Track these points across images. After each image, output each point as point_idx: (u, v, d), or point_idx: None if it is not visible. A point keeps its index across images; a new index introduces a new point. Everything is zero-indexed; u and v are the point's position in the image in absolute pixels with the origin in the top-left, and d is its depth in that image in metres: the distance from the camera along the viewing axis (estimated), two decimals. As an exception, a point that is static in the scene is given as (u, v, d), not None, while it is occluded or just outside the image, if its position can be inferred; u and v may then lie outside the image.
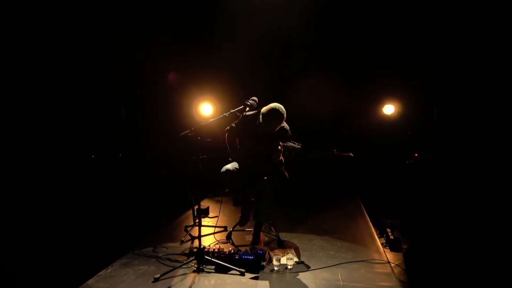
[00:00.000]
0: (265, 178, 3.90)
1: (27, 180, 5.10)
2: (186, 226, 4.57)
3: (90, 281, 3.27)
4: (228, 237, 4.28)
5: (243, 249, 3.93)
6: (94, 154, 5.33)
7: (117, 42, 5.88)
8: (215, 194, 5.84)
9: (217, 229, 4.58)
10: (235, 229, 4.35)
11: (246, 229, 4.36)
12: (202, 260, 3.50)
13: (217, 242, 4.23)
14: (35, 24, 5.10)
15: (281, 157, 3.98)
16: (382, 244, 4.61)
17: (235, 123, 4.05)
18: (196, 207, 3.86)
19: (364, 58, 6.69)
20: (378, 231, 4.97)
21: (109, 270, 3.48)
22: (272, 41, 6.72)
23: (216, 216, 4.56)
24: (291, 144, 3.79)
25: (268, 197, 3.99)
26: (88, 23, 5.59)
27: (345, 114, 6.90)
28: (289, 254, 3.69)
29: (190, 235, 4.38)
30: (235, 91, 6.63)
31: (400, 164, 5.17)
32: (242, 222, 4.19)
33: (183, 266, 3.53)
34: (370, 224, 4.88)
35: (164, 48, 6.37)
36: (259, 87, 6.82)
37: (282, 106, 3.92)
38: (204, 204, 5.52)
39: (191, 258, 3.59)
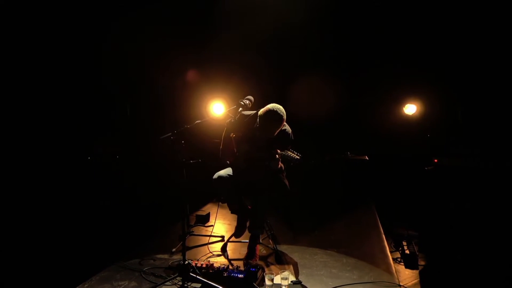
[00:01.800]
0: (262, 187, 3.54)
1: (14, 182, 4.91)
2: (181, 235, 4.25)
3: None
4: (223, 249, 3.93)
5: (236, 264, 3.60)
6: (89, 156, 5.11)
7: (118, 39, 5.62)
8: (219, 198, 5.52)
9: (214, 239, 4.23)
10: (231, 240, 3.99)
11: (243, 241, 3.99)
12: (187, 277, 3.17)
13: (211, 254, 3.89)
14: (27, 21, 4.90)
15: (280, 164, 3.58)
16: (396, 259, 4.17)
17: (235, 119, 3.71)
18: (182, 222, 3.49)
19: (382, 52, 6.19)
20: (393, 244, 4.52)
21: (85, 286, 3.20)
22: (282, 39, 6.30)
23: (211, 225, 4.23)
24: (290, 153, 3.34)
25: (265, 208, 3.62)
26: (85, 20, 5.35)
27: (361, 114, 6.40)
28: (285, 272, 3.30)
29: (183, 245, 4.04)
30: (251, 88, 6.24)
31: (419, 170, 4.67)
32: (237, 234, 3.83)
33: (167, 283, 3.21)
34: (383, 236, 4.40)
35: (169, 44, 6.08)
36: (271, 86, 6.48)
37: (281, 107, 3.53)
38: (207, 209, 5.24)
39: (175, 275, 3.26)
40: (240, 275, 3.19)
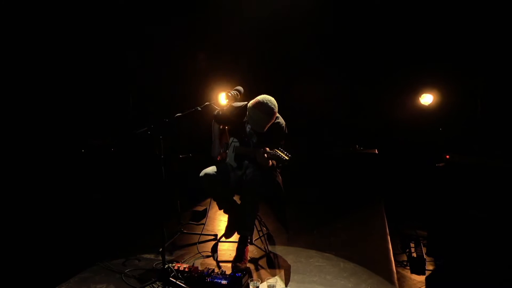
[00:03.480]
0: (252, 186, 3.28)
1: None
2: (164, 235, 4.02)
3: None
4: (213, 249, 3.70)
5: (225, 266, 3.37)
6: (84, 148, 4.96)
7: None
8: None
9: (206, 238, 4.00)
10: (223, 240, 3.76)
11: (236, 241, 3.74)
12: (167, 282, 2.97)
13: (199, 255, 3.66)
14: (29, 17, 4.75)
15: (272, 162, 3.31)
16: (402, 262, 3.86)
17: (223, 110, 3.47)
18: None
19: (400, 38, 5.77)
20: (400, 245, 4.20)
21: (62, 287, 3.04)
22: (289, 27, 5.96)
23: (202, 224, 4.00)
24: (279, 153, 3.03)
25: (255, 209, 3.36)
26: (81, 12, 5.16)
27: (372, 104, 6.02)
28: (272, 279, 3.05)
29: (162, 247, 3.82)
30: (258, 79, 5.97)
31: (431, 165, 4.30)
32: (227, 234, 3.60)
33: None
34: (388, 238, 4.06)
35: (171, 32, 5.86)
36: (277, 77, 6.21)
37: (271, 98, 3.26)
38: (206, 204, 5.02)
39: (154, 279, 3.06)
40: (224, 281, 2.96)
